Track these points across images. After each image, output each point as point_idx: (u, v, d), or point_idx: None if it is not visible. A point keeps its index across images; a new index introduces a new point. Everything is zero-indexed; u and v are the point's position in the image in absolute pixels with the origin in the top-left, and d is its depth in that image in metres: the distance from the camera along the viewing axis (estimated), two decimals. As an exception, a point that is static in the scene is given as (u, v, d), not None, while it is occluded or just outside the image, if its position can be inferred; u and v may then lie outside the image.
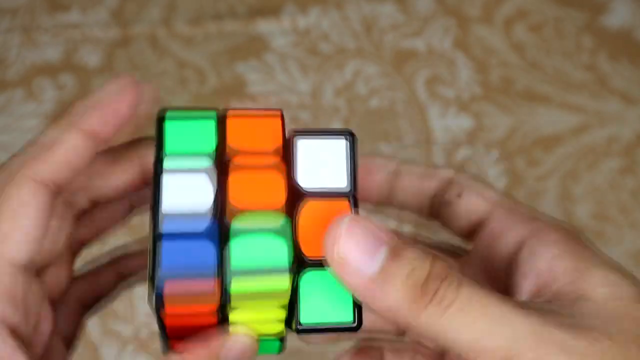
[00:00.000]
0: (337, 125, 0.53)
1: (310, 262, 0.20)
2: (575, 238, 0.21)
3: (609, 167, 0.52)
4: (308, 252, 0.20)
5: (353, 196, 0.20)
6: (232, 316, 0.20)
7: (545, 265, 0.20)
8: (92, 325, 0.48)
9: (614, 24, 0.56)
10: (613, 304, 0.19)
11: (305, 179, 0.21)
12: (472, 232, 0.24)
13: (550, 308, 0.19)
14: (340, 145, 0.21)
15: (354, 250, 0.18)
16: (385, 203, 0.25)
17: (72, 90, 0.54)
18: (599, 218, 0.51)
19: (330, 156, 0.21)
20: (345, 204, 0.20)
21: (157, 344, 0.49)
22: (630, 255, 0.50)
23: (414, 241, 0.26)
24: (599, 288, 0.19)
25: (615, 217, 0.51)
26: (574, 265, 0.20)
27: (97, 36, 0.55)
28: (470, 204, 0.24)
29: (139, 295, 0.49)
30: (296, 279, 0.20)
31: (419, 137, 0.53)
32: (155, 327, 0.49)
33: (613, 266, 0.20)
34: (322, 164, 0.21)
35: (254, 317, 0.21)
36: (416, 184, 0.25)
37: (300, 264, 0.20)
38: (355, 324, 0.20)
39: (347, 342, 0.28)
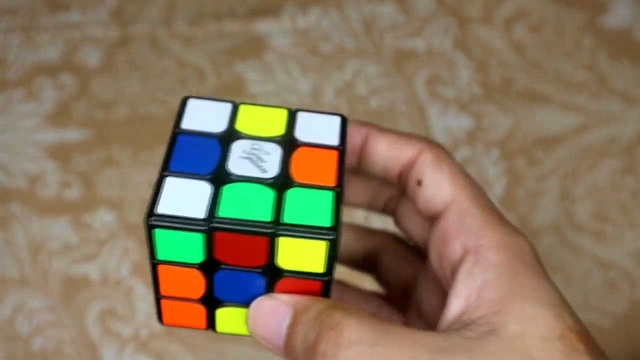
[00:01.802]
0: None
1: (296, 184, 0.21)
2: (518, 261, 0.20)
3: (609, 167, 0.52)
4: (297, 178, 0.22)
5: (341, 151, 0.23)
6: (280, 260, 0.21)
7: (475, 289, 0.20)
8: (92, 325, 0.48)
9: (614, 23, 0.56)
10: (520, 343, 0.18)
11: (303, 135, 0.23)
12: (430, 221, 0.23)
13: (451, 341, 0.18)
14: (335, 120, 0.24)
15: (263, 331, 0.21)
16: (355, 170, 0.25)
17: (71, 90, 0.54)
18: (599, 218, 0.51)
19: (327, 126, 0.24)
20: (334, 153, 0.22)
21: (157, 343, 0.49)
22: (631, 255, 0.50)
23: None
24: (513, 325, 0.19)
25: (615, 217, 0.51)
26: (500, 295, 0.19)
27: (97, 36, 0.55)
28: (430, 196, 0.23)
29: (138, 296, 0.49)
30: (284, 196, 0.21)
31: (419, 137, 0.53)
32: (155, 326, 0.49)
33: (541, 298, 0.19)
34: (319, 129, 0.23)
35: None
36: (384, 153, 0.24)
37: (286, 183, 0.21)
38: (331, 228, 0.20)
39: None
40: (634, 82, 0.54)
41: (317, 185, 0.21)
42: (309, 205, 0.21)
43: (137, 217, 0.51)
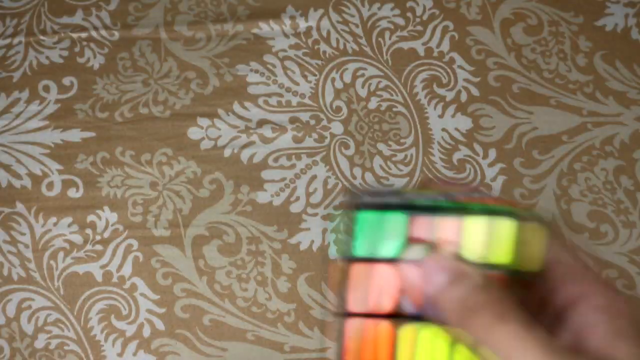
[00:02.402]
0: (337, 125, 0.53)
1: None
2: (617, 302, 0.24)
3: (605, 168, 0.53)
4: None
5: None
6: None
7: (587, 326, 0.24)
8: (95, 323, 0.48)
9: (610, 26, 0.56)
10: None
11: None
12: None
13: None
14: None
15: (416, 275, 0.24)
16: None
17: (75, 92, 0.54)
18: (595, 218, 0.51)
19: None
20: None
21: (159, 341, 0.49)
22: (625, 254, 0.50)
23: None
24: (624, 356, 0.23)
25: (610, 217, 0.51)
26: (608, 330, 0.24)
27: (100, 39, 0.55)
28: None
29: (141, 294, 0.49)
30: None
31: (418, 137, 0.53)
32: (157, 324, 0.49)
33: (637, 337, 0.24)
34: None
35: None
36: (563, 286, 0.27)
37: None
38: None
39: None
40: (629, 84, 0.55)
41: None
42: None
43: (140, 217, 0.51)
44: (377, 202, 0.24)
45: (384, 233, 0.24)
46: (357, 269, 0.24)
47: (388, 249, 0.24)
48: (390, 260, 0.24)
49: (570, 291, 0.25)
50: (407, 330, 0.24)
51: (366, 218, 0.24)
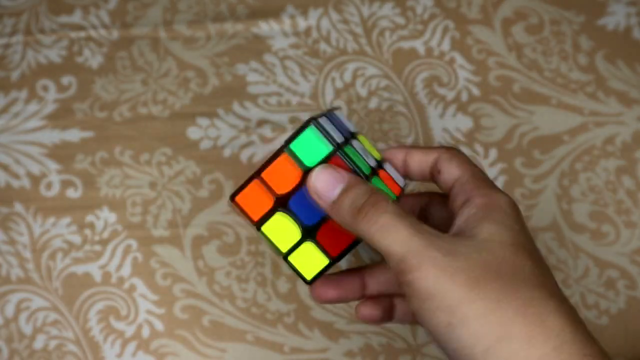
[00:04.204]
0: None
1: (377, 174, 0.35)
2: (492, 205, 0.33)
3: (606, 168, 0.53)
4: None
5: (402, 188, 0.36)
6: None
7: (465, 216, 0.33)
8: (94, 324, 0.48)
9: (612, 25, 0.56)
10: (485, 244, 0.31)
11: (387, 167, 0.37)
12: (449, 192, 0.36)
13: (445, 238, 0.31)
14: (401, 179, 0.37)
15: (320, 186, 0.32)
16: (404, 175, 0.38)
17: (74, 91, 0.54)
18: (596, 218, 0.51)
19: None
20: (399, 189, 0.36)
21: (158, 342, 0.49)
22: (628, 254, 0.50)
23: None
24: (482, 235, 0.31)
25: (612, 217, 0.51)
26: (477, 219, 0.32)
27: (99, 38, 0.55)
28: (445, 178, 0.35)
29: (140, 295, 0.49)
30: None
31: (418, 137, 0.53)
32: (156, 325, 0.50)
33: (503, 223, 0.32)
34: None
35: None
36: (417, 162, 0.37)
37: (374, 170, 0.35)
38: None
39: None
40: (631, 84, 0.55)
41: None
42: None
43: (139, 217, 0.51)
44: (325, 129, 0.33)
45: (312, 150, 0.32)
46: (284, 158, 0.33)
47: (309, 159, 0.33)
48: (305, 167, 0.33)
49: (460, 199, 0.34)
50: (281, 216, 0.34)
51: (311, 132, 0.32)
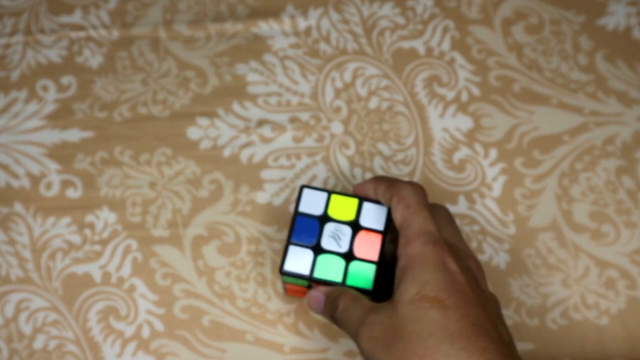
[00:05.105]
0: (337, 125, 0.53)
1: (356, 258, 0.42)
2: (428, 226, 0.39)
3: (607, 168, 0.53)
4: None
5: (384, 233, 0.42)
6: None
7: (396, 277, 0.39)
8: (94, 324, 0.48)
9: (612, 25, 0.56)
10: (398, 305, 0.36)
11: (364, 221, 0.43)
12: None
13: (380, 308, 0.38)
14: (383, 210, 0.43)
15: (311, 305, 0.42)
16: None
17: (74, 91, 0.54)
18: (596, 218, 0.51)
19: (379, 214, 0.43)
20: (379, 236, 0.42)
21: (158, 342, 0.49)
22: (627, 255, 0.50)
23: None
24: (397, 296, 0.37)
25: (612, 217, 0.51)
26: (399, 278, 0.38)
27: (99, 38, 0.55)
28: (396, 220, 0.40)
29: (140, 295, 0.49)
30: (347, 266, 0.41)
31: (418, 137, 0.53)
32: (156, 325, 0.50)
33: (424, 282, 0.36)
34: (374, 216, 0.43)
35: None
36: (382, 197, 0.42)
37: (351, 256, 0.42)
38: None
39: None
40: (631, 84, 0.55)
41: (366, 259, 0.41)
42: (361, 273, 0.41)
43: (139, 217, 0.51)
44: (295, 273, 0.42)
45: (298, 282, 0.43)
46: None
47: (301, 283, 0.43)
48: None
49: (406, 234, 0.38)
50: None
51: (287, 278, 0.43)
